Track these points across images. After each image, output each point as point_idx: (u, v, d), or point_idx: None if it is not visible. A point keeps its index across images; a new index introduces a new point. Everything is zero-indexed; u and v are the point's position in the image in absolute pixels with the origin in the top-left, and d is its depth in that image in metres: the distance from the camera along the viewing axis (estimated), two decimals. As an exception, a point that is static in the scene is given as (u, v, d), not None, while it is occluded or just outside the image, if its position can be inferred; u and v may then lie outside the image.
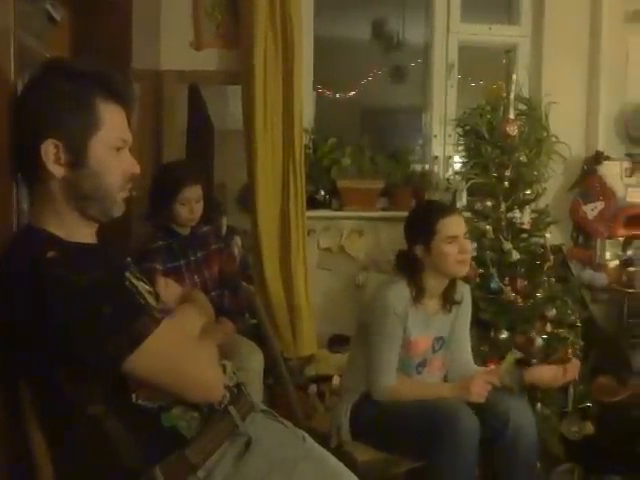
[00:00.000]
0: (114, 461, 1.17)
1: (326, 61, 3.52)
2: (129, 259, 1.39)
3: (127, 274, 1.26)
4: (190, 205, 2.42)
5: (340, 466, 1.40)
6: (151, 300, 1.31)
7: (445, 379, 2.22)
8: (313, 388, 2.82)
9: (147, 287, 1.34)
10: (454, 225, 2.11)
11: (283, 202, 2.99)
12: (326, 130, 3.35)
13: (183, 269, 2.45)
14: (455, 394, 2.04)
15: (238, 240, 2.89)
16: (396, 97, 4.47)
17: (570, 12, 3.42)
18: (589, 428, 2.49)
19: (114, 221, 1.29)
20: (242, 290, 2.63)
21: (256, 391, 2.32)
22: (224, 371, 1.35)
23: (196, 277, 2.47)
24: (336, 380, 2.72)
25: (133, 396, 1.16)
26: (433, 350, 2.19)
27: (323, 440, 1.98)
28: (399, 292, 2.11)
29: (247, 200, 3.05)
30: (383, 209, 3.27)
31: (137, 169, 1.27)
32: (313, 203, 3.14)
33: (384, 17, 4.30)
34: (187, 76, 3.07)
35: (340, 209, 3.20)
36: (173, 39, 3.06)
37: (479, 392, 2.02)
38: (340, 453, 2.04)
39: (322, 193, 3.20)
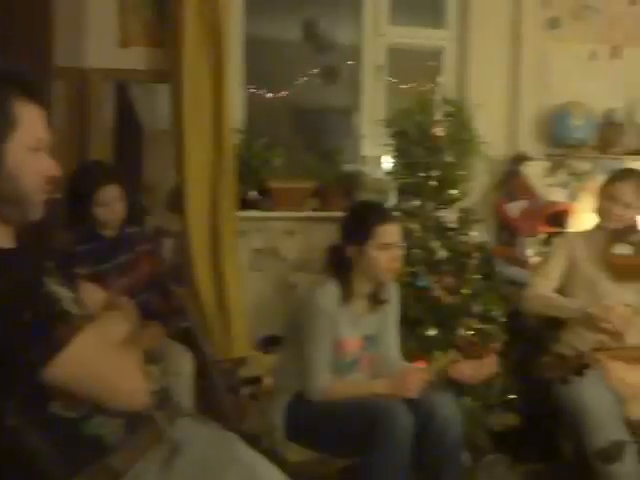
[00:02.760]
0: (34, 473, 1.14)
1: (257, 61, 3.50)
2: (50, 264, 1.35)
3: (47, 279, 1.23)
4: (110, 206, 2.36)
5: (271, 468, 1.40)
6: (73, 307, 1.27)
7: (374, 377, 2.25)
8: (246, 390, 2.81)
9: (69, 293, 1.30)
10: (390, 233, 2.14)
11: (214, 203, 2.96)
12: (257, 130, 3.34)
13: (109, 273, 2.39)
14: (389, 391, 2.08)
15: (168, 242, 2.85)
16: (327, 97, 4.49)
17: (493, 18, 3.52)
18: (513, 419, 2.58)
19: (33, 224, 1.25)
20: (172, 293, 2.59)
21: (186, 395, 2.30)
22: (150, 376, 1.33)
23: (123, 280, 2.42)
24: (268, 381, 2.71)
25: (51, 405, 1.13)
26: (363, 349, 2.22)
27: (255, 442, 1.98)
28: (329, 292, 2.13)
29: (177, 201, 3.01)
30: (314, 209, 3.29)
31: (56, 171, 1.24)
32: (244, 204, 3.12)
33: (315, 18, 4.31)
34: (113, 74, 3.00)
35: (271, 210, 3.20)
36: (99, 36, 2.98)
37: (413, 388, 2.06)
38: (272, 454, 2.04)
39: (253, 194, 3.19)
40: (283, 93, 4.37)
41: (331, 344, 2.12)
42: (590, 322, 2.37)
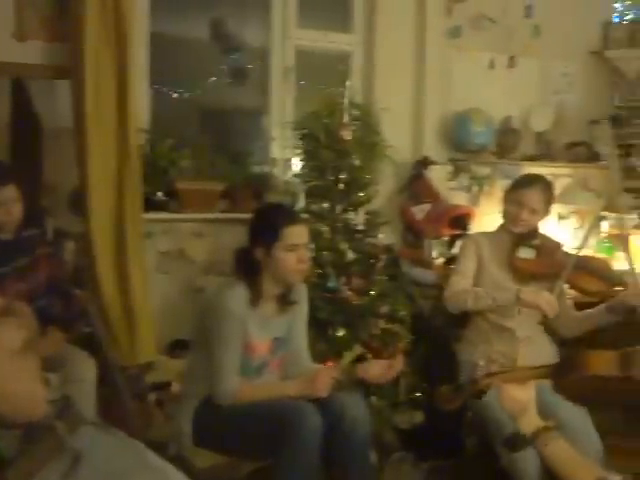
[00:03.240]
0: None
1: (164, 59, 3.43)
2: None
3: None
4: (6, 207, 2.25)
5: (178, 476, 1.37)
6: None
7: (284, 379, 2.26)
8: (152, 396, 2.74)
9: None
10: (298, 234, 2.15)
11: (118, 204, 2.87)
12: (164, 130, 3.27)
13: (6, 277, 2.27)
14: (299, 392, 2.08)
15: (69, 244, 2.73)
16: (236, 98, 4.46)
17: (398, 25, 3.61)
18: (418, 417, 2.65)
19: None
20: (74, 297, 2.49)
21: (89, 403, 2.22)
22: (49, 384, 1.27)
23: (21, 285, 2.30)
24: (175, 386, 2.66)
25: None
26: (272, 351, 2.21)
27: (162, 449, 1.93)
28: (238, 294, 2.11)
29: (79, 202, 2.89)
30: (223, 211, 3.25)
31: None
32: (151, 205, 3.05)
33: (223, 17, 4.28)
34: (8, 68, 2.85)
35: (179, 211, 3.13)
36: (-7, 29, 2.83)
37: (323, 387, 2.07)
38: (179, 461, 2.01)
39: (160, 195, 3.12)
40: (191, 93, 4.31)
41: (240, 347, 2.11)
42: (521, 305, 2.43)
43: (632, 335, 1.76)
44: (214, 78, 4.26)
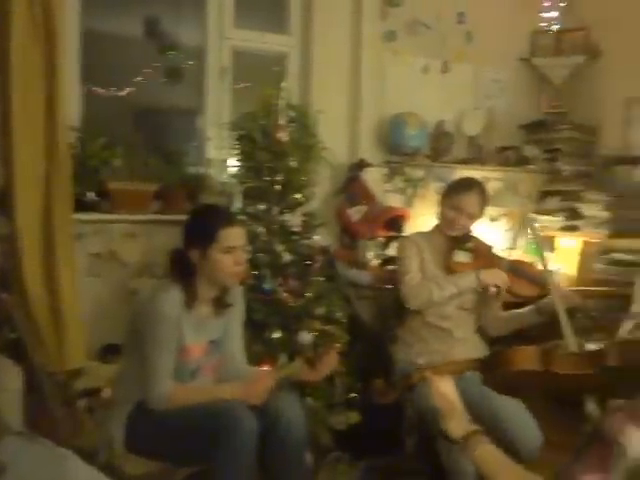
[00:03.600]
0: None
1: (96, 57, 3.34)
2: None
3: None
4: None
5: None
6: None
7: (219, 382, 2.23)
8: (82, 402, 2.66)
9: None
10: (235, 236, 2.13)
11: (46, 204, 2.77)
12: (97, 129, 3.18)
13: None
14: (236, 396, 2.06)
15: (-7, 246, 2.63)
16: (171, 98, 4.39)
17: (334, 28, 3.63)
18: (354, 417, 2.67)
19: None
20: (-1, 301, 2.40)
21: (14, 412, 2.14)
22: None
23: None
24: (106, 392, 2.59)
25: None
26: (207, 354, 2.19)
27: (92, 457, 1.88)
28: (172, 297, 2.07)
29: (5, 202, 2.78)
30: (156, 212, 3.19)
31: None
32: (81, 206, 2.96)
33: (157, 15, 4.20)
34: None
35: (111, 212, 3.05)
36: None
37: (260, 395, 2.05)
38: (110, 469, 1.96)
39: (91, 195, 3.03)
40: (124, 91, 4.22)
41: (174, 350, 2.07)
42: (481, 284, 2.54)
43: (553, 333, 1.85)
44: (148, 77, 4.18)
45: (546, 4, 4.11)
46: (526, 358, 1.34)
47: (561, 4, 4.10)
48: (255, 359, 2.36)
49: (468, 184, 2.68)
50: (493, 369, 1.44)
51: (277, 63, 3.67)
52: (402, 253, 2.72)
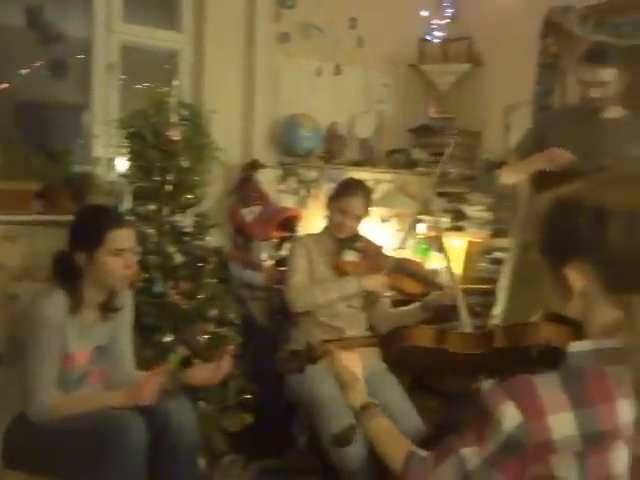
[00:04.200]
0: None
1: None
2: None
3: None
4: None
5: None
6: None
7: (107, 389, 2.16)
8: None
9: None
10: (124, 238, 2.07)
11: None
12: (-29, 124, 2.99)
13: None
14: (123, 402, 1.99)
15: None
16: (56, 93, 4.19)
17: (228, 27, 3.61)
18: (248, 419, 2.66)
19: None
20: None
21: None
22: None
23: None
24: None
25: None
26: (93, 361, 2.11)
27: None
28: (55, 301, 1.99)
29: None
30: (39, 212, 3.03)
31: None
32: (-46, 205, 2.77)
33: (40, 4, 4.00)
34: None
35: (-12, 212, 2.88)
36: None
37: (148, 395, 2.00)
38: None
39: (-35, 194, 2.84)
40: (3, 85, 3.98)
41: (57, 358, 1.98)
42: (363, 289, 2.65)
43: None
44: (30, 70, 3.97)
45: (433, 13, 4.27)
46: (422, 335, 1.44)
47: (447, 13, 4.29)
48: (145, 364, 2.30)
49: (352, 186, 2.75)
50: (391, 344, 1.50)
51: (168, 60, 3.60)
52: (290, 256, 2.77)
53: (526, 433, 1.04)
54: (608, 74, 2.56)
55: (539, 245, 1.17)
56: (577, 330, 1.16)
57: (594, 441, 1.05)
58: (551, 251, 1.15)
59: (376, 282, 2.67)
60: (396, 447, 1.28)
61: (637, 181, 1.10)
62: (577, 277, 1.11)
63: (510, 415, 1.04)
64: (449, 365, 1.50)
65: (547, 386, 1.06)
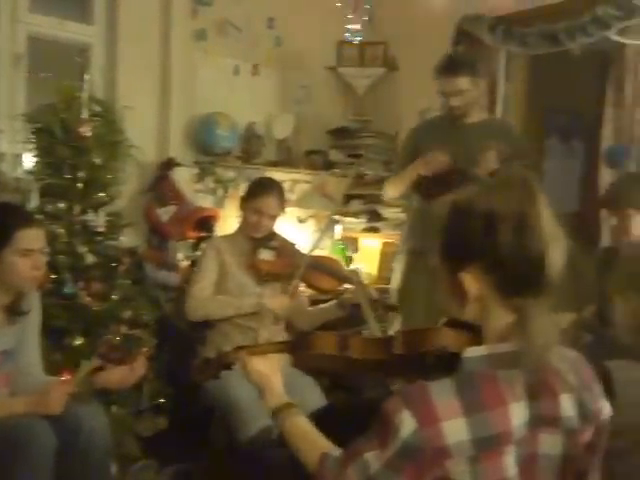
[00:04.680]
0: None
1: None
2: None
3: None
4: None
5: None
6: None
7: (12, 395, 2.05)
8: None
9: None
10: (33, 238, 1.98)
11: None
12: None
13: None
14: (30, 409, 1.90)
15: None
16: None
17: (142, 22, 3.53)
18: (162, 423, 2.60)
19: None
20: None
21: None
22: None
23: None
24: None
25: None
26: (-2, 366, 2.00)
27: None
28: (-44, 304, 1.88)
29: None
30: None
31: None
32: None
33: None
34: None
35: None
36: None
37: (56, 404, 1.91)
38: None
39: None
40: None
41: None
42: (263, 313, 2.59)
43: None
44: None
45: (350, 16, 4.32)
46: (324, 343, 1.44)
47: (364, 17, 4.35)
48: (54, 369, 2.21)
49: (266, 186, 2.74)
50: (298, 350, 1.53)
51: (80, 54, 3.47)
52: (200, 259, 2.77)
53: (421, 439, 1.06)
54: (462, 82, 2.77)
55: (437, 250, 1.18)
56: (477, 336, 1.17)
57: (486, 446, 1.07)
58: (448, 256, 1.17)
59: (278, 303, 2.63)
60: (311, 448, 1.29)
61: (524, 185, 1.12)
62: (472, 282, 1.12)
63: (406, 423, 1.06)
64: (356, 369, 1.52)
65: (441, 393, 1.08)
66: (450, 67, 2.81)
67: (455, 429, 1.06)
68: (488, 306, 1.14)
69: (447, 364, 1.18)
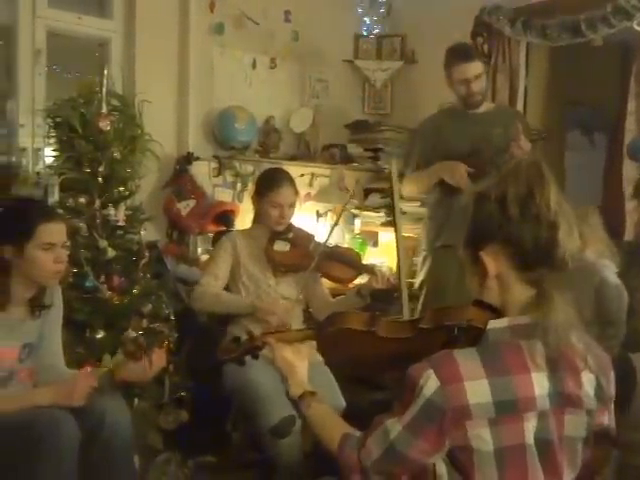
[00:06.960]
0: None
1: None
2: None
3: None
4: None
5: None
6: None
7: (35, 387, 2.06)
8: None
9: None
10: (55, 232, 1.99)
11: None
12: None
13: None
14: (54, 400, 1.90)
15: None
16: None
17: (160, 16, 3.53)
18: (184, 416, 2.61)
19: None
20: None
21: None
22: None
23: None
24: None
25: None
26: (21, 359, 2.01)
27: None
28: (-20, 298, 1.89)
29: None
30: (-41, 205, 2.88)
31: None
32: None
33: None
34: None
35: None
36: None
37: (79, 396, 1.92)
38: None
39: None
40: None
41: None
42: (258, 315, 2.53)
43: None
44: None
45: (367, 9, 4.30)
46: (355, 319, 1.51)
47: (381, 10, 4.32)
48: (77, 362, 2.22)
49: (279, 177, 2.71)
50: (324, 328, 1.56)
51: (98, 49, 3.48)
52: (214, 253, 2.75)
53: (444, 397, 1.11)
54: (479, 67, 2.87)
55: (462, 238, 1.26)
56: (500, 316, 1.23)
57: (507, 409, 1.11)
58: (470, 242, 1.24)
59: (267, 312, 2.54)
60: (333, 430, 1.34)
61: (533, 168, 1.19)
62: (490, 260, 1.20)
63: (430, 381, 1.12)
64: (377, 350, 1.54)
65: (465, 357, 1.14)
66: (468, 53, 2.92)
67: (478, 390, 1.11)
68: (507, 282, 1.20)
69: (470, 337, 1.25)
